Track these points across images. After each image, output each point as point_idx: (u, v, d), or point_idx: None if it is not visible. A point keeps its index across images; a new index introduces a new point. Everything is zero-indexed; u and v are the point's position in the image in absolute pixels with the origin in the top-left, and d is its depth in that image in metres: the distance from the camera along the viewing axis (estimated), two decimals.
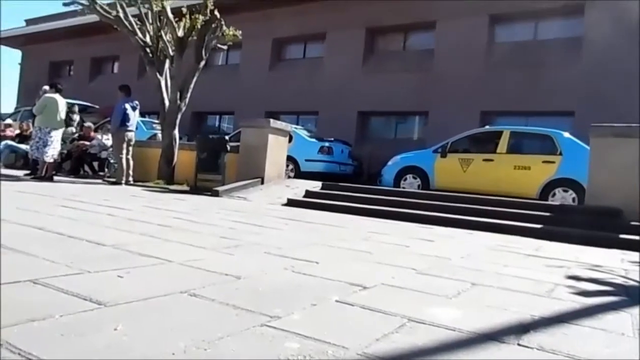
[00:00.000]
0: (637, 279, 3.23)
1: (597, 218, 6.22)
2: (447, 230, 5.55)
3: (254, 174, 8.94)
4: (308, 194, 8.12)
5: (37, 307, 1.54)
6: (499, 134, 9.33)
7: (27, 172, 9.16)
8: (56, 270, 2.05)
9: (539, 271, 3.18)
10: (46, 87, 8.87)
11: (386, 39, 16.95)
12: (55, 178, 8.76)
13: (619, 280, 3.14)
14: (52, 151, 8.40)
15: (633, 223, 5.91)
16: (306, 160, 11.58)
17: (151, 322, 1.53)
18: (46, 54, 25.17)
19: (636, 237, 5.37)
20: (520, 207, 6.88)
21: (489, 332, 1.68)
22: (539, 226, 5.90)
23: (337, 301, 1.96)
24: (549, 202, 8.16)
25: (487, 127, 11.05)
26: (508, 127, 9.81)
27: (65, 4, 13.12)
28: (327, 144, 11.99)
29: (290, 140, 10.43)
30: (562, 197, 8.34)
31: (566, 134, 8.91)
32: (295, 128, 12.01)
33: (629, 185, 6.37)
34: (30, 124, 10.76)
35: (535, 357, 1.48)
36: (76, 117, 11.96)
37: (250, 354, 1.32)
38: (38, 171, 8.62)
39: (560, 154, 8.53)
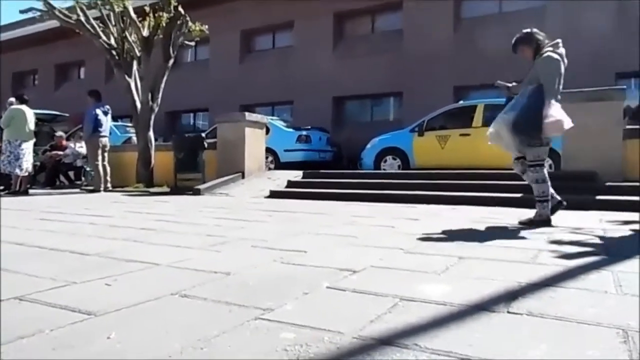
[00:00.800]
0: (616, 236, 3.33)
1: (574, 182, 6.37)
2: (431, 208, 5.62)
3: (234, 169, 8.89)
4: (290, 184, 8.11)
5: (25, 324, 1.51)
6: (473, 108, 9.45)
7: (0, 187, 8.93)
8: (41, 284, 2.01)
9: (522, 239, 3.25)
10: (12, 99, 8.63)
11: (354, 23, 16.90)
12: (31, 191, 8.57)
13: (599, 241, 3.23)
14: (25, 164, 8.21)
15: (608, 184, 6.07)
16: (285, 151, 11.56)
17: (144, 327, 1.52)
18: (8, 65, 24.40)
19: (612, 197, 5.53)
20: (500, 178, 7.00)
21: (479, 303, 1.72)
22: (519, 195, 6.02)
23: (328, 287, 1.97)
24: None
25: (461, 102, 11.16)
26: (481, 100, 9.94)
27: (22, 12, 12.72)
28: (304, 132, 11.98)
29: (267, 132, 10.38)
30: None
31: None
32: (272, 119, 11.96)
33: (602, 148, 6.54)
34: None
35: (525, 323, 1.52)
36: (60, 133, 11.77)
37: (246, 349, 1.33)
38: (12, 186, 8.41)
39: None
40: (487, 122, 9.14)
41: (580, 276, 2.15)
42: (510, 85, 4.38)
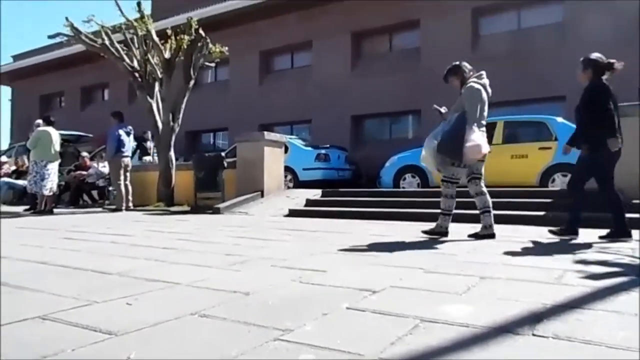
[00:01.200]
0: None
1: (599, 200, 6.22)
2: (451, 226, 5.54)
3: (253, 187, 8.95)
4: (309, 202, 8.12)
5: (47, 343, 1.53)
6: (493, 125, 9.35)
7: (27, 207, 9.15)
8: (64, 303, 2.04)
9: (546, 258, 3.18)
10: (39, 121, 8.89)
11: (372, 42, 17.03)
12: (55, 210, 8.75)
13: (627, 260, 3.13)
14: (50, 184, 8.40)
15: (635, 201, 5.91)
16: (304, 169, 11.59)
17: (164, 347, 1.52)
18: (36, 88, 25.25)
19: (639, 216, 5.38)
20: (522, 195, 6.90)
21: (502, 325, 1.68)
22: (541, 213, 5.91)
23: (347, 308, 1.95)
24: (549, 188, 8.17)
25: None
26: (501, 117, 9.85)
27: (50, 37, 13.21)
28: (323, 151, 12.01)
29: (286, 151, 10.45)
30: (562, 182, 8.34)
31: (559, 119, 8.93)
32: (290, 138, 12.04)
33: (628, 164, 6.38)
34: (26, 159, 10.78)
35: (551, 346, 1.48)
36: (150, 145, 12.17)
37: None
38: (37, 205, 8.61)
39: (556, 139, 8.55)
40: (507, 139, 9.06)
41: (609, 297, 2.08)
42: (443, 111, 4.74)
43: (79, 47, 13.10)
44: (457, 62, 4.70)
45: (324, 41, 16.94)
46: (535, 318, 1.77)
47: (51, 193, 8.52)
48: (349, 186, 10.84)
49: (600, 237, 4.19)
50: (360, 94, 15.52)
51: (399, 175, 10.05)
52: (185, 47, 9.86)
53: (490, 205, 4.47)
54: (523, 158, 8.73)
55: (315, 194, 8.72)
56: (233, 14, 17.40)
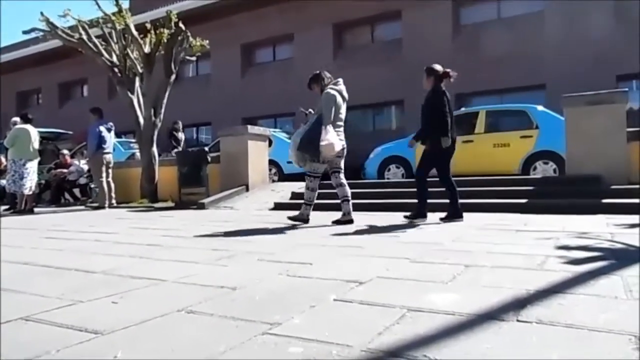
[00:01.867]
0: (623, 241, 3.30)
1: (579, 186, 6.35)
2: (435, 216, 5.59)
3: (238, 182, 8.90)
4: (294, 195, 8.11)
5: (31, 345, 1.51)
6: (475, 115, 9.45)
7: (6, 207, 8.98)
8: (47, 304, 2.00)
9: (529, 245, 3.23)
10: (16, 119, 8.70)
11: (354, 33, 17.01)
12: (36, 210, 8.60)
13: (606, 245, 3.21)
14: (30, 183, 8.24)
15: (614, 187, 6.04)
16: (288, 163, 11.53)
17: (151, 344, 1.51)
18: (12, 85, 24.66)
19: (618, 201, 5.50)
20: (504, 184, 6.98)
21: (487, 312, 1.70)
22: (524, 201, 6.00)
23: (335, 300, 1.96)
24: (531, 176, 8.30)
25: (463, 108, 11.16)
26: (483, 107, 9.94)
27: (25, 32, 12.88)
28: None
29: (270, 145, 10.41)
30: (543, 169, 8.48)
31: (540, 107, 9.06)
32: (274, 131, 11.99)
33: (606, 151, 6.51)
34: (3, 158, 10.55)
35: (535, 331, 1.51)
36: (182, 136, 12.10)
37: None
38: (17, 205, 8.45)
39: (537, 127, 8.67)
40: (490, 128, 9.16)
41: (590, 282, 2.13)
42: (307, 113, 5.28)
43: (55, 43, 12.81)
44: (318, 71, 5.33)
45: (306, 33, 16.87)
46: (519, 304, 1.80)
47: (31, 192, 8.36)
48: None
49: (441, 219, 4.98)
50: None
51: (383, 166, 10.10)
52: (165, 41, 9.72)
53: (349, 195, 5.09)
54: (505, 147, 8.85)
55: (301, 186, 8.69)
56: (213, 7, 17.20)
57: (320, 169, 5.06)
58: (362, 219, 5.25)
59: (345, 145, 5.05)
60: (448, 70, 5.05)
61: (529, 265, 2.53)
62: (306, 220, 5.07)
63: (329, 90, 5.02)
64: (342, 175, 5.10)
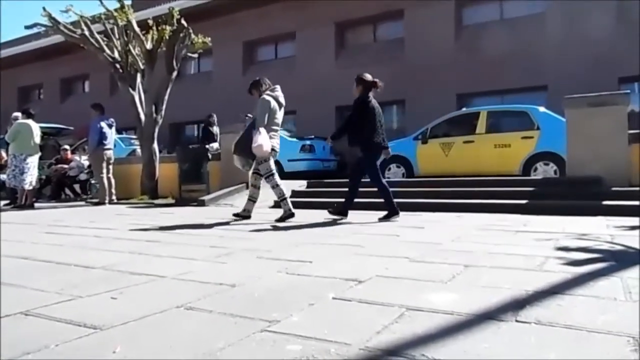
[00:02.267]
0: (623, 243, 3.30)
1: (580, 187, 6.34)
2: (436, 216, 5.60)
3: (238, 179, 8.89)
4: (294, 193, 8.10)
5: (31, 339, 1.51)
6: (476, 115, 9.44)
7: (6, 202, 8.98)
8: (47, 299, 2.01)
9: (528, 246, 3.23)
10: (17, 114, 8.69)
11: (356, 32, 16.99)
12: (36, 205, 8.60)
13: (606, 246, 3.20)
14: (30, 178, 8.24)
15: (614, 189, 6.04)
16: (289, 161, 11.56)
17: (149, 340, 1.51)
18: (14, 80, 24.65)
19: (618, 203, 5.49)
20: (505, 184, 6.98)
21: (486, 312, 1.71)
22: (524, 202, 5.99)
23: (334, 298, 1.96)
24: (532, 177, 8.30)
25: (464, 109, 11.16)
26: (485, 107, 9.93)
27: (27, 27, 12.85)
28: (308, 142, 12.00)
29: None
30: (544, 170, 8.47)
31: (541, 109, 9.04)
32: None
33: (607, 152, 6.50)
34: (4, 153, 10.56)
35: (534, 332, 1.51)
36: (217, 130, 11.15)
37: None
38: (18, 200, 8.45)
39: (538, 128, 8.66)
40: (490, 129, 9.15)
41: (589, 283, 2.13)
42: (247, 117, 5.72)
43: (57, 38, 12.81)
44: (258, 78, 5.74)
45: (308, 32, 16.85)
46: (518, 305, 1.80)
47: (31, 187, 8.36)
48: (333, 177, 10.85)
49: (380, 219, 5.13)
50: (344, 85, 15.34)
51: (383, 165, 10.08)
52: (167, 37, 9.71)
53: (286, 194, 5.37)
54: (506, 147, 8.84)
55: (301, 185, 8.71)
56: (215, 4, 17.18)
57: (271, 166, 5.33)
58: (374, 219, 5.24)
59: (277, 149, 5.41)
60: (376, 80, 5.49)
61: (528, 266, 2.53)
62: (249, 217, 5.46)
63: (264, 96, 5.39)
64: (277, 178, 5.35)
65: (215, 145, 10.64)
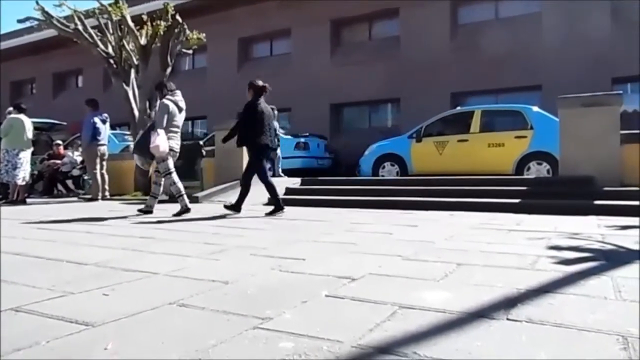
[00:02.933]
0: (614, 242, 3.33)
1: (572, 187, 6.39)
2: (429, 214, 5.62)
3: (232, 176, 8.87)
4: (288, 191, 8.10)
5: (21, 336, 1.50)
6: (470, 114, 9.47)
7: None
8: (38, 295, 2.00)
9: (521, 245, 3.25)
10: (11, 109, 8.63)
11: (351, 30, 16.98)
12: (28, 200, 8.54)
13: (597, 246, 3.23)
14: (23, 173, 8.19)
15: (606, 189, 6.08)
16: (283, 158, 11.54)
17: (141, 337, 1.51)
18: (5, 74, 24.42)
19: (610, 202, 5.53)
20: (498, 183, 7.01)
21: (478, 310, 1.72)
22: (517, 201, 6.02)
23: (327, 296, 1.96)
24: (525, 176, 8.34)
25: (458, 108, 11.21)
26: (479, 106, 9.97)
27: (19, 21, 12.75)
28: (302, 139, 11.99)
29: None
30: (537, 170, 8.53)
31: (535, 108, 9.09)
32: None
33: (599, 153, 6.55)
34: None
35: (525, 330, 1.52)
36: (276, 125, 10.81)
37: (245, 359, 1.32)
38: (9, 195, 8.39)
39: (531, 128, 8.71)
40: (485, 128, 9.19)
41: (580, 282, 2.15)
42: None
43: (50, 32, 12.70)
44: (161, 81, 6.20)
45: (303, 29, 16.82)
46: (509, 303, 1.81)
47: (24, 182, 8.31)
48: (328, 175, 10.86)
49: (266, 214, 5.68)
50: (339, 82, 15.49)
51: (378, 163, 10.11)
52: (162, 33, 9.66)
53: (183, 190, 5.77)
54: (500, 146, 8.88)
55: (295, 182, 8.71)
56: (211, 0, 17.09)
57: (170, 165, 5.73)
58: (367, 217, 5.24)
59: (176, 149, 5.83)
60: (265, 85, 5.95)
61: (520, 265, 2.55)
62: (151, 212, 5.80)
63: (164, 99, 5.79)
64: (174, 177, 5.76)
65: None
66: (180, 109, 5.88)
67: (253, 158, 5.81)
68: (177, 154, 5.92)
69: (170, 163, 5.72)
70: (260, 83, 5.94)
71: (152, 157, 5.63)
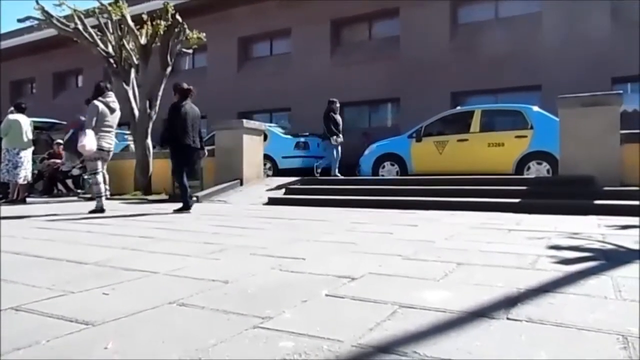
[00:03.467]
0: (614, 242, 3.33)
1: (572, 187, 6.39)
2: (429, 214, 5.62)
3: (232, 176, 8.89)
4: (288, 191, 8.11)
5: (21, 335, 1.50)
6: (470, 114, 9.47)
7: None
8: (38, 294, 2.00)
9: (521, 245, 3.25)
10: (12, 109, 8.62)
11: (352, 30, 16.97)
12: (28, 199, 8.54)
13: (597, 245, 3.23)
14: (23, 172, 8.19)
15: (606, 188, 6.08)
16: (283, 158, 11.56)
17: (141, 336, 1.51)
18: (5, 73, 24.41)
19: (610, 202, 5.54)
20: (498, 183, 7.01)
21: (478, 310, 1.71)
22: (517, 200, 6.02)
23: (327, 295, 1.96)
24: (525, 176, 8.34)
25: (458, 107, 11.20)
26: (479, 106, 9.96)
27: (19, 20, 12.75)
28: (302, 139, 11.99)
29: (265, 139, 10.39)
30: (537, 169, 8.53)
31: (535, 108, 9.09)
32: (270, 126, 11.97)
33: (599, 152, 6.55)
34: None
35: (525, 329, 1.52)
36: (339, 119, 9.63)
37: (245, 358, 1.32)
38: (10, 194, 8.39)
39: (531, 127, 8.71)
40: (485, 128, 9.19)
41: (580, 282, 2.15)
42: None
43: (50, 32, 12.69)
44: (98, 82, 6.51)
45: (303, 28, 16.81)
46: (509, 302, 1.81)
47: (24, 182, 8.30)
48: (328, 174, 10.85)
49: (174, 210, 6.09)
50: (339, 82, 15.47)
51: (378, 163, 10.11)
52: (162, 32, 9.65)
53: (103, 191, 6.16)
54: (499, 146, 8.88)
55: (294, 181, 8.71)
56: (211, 0, 17.09)
57: (95, 166, 6.13)
58: (367, 217, 5.24)
59: (107, 149, 6.18)
60: (190, 88, 6.36)
61: (520, 264, 2.55)
62: (102, 210, 6.04)
63: (94, 101, 6.11)
64: (98, 177, 6.13)
65: (338, 139, 9.25)
66: (112, 110, 6.22)
67: (172, 157, 6.24)
68: (110, 153, 6.32)
69: (98, 163, 6.11)
70: (186, 86, 6.34)
71: (79, 155, 6.04)
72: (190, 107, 6.25)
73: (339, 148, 9.68)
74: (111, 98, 6.26)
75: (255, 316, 1.66)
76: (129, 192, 9.65)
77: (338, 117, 9.78)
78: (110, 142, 6.21)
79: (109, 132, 6.16)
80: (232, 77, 18.07)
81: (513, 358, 1.30)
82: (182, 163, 6.21)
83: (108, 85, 6.41)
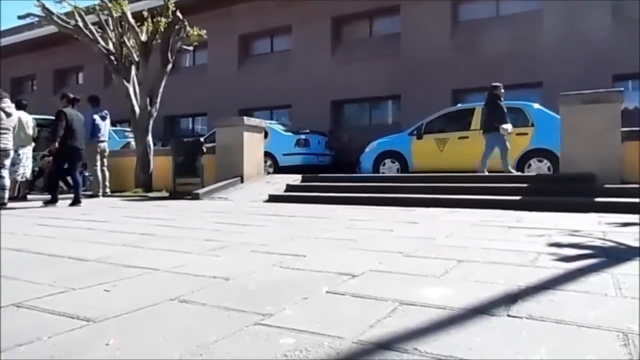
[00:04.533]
0: (614, 239, 3.33)
1: (573, 184, 6.38)
2: (430, 211, 5.62)
3: (233, 173, 8.89)
4: (289, 188, 8.11)
5: (23, 331, 1.51)
6: (471, 111, 9.46)
7: None
8: (39, 291, 2.00)
9: (521, 242, 3.25)
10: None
11: (352, 27, 16.94)
12: (29, 196, 8.55)
13: (598, 243, 3.23)
14: (23, 169, 8.18)
15: (607, 186, 6.08)
16: (284, 155, 11.55)
17: (143, 333, 1.51)
18: (6, 70, 24.38)
19: (611, 200, 5.53)
20: (499, 180, 7.01)
21: (478, 307, 1.72)
22: (517, 198, 6.02)
23: (327, 292, 1.96)
24: (526, 173, 8.33)
25: (459, 105, 11.17)
26: (480, 103, 9.94)
27: (20, 17, 12.71)
28: (303, 136, 11.98)
29: (266, 136, 10.38)
30: (538, 167, 8.52)
31: (536, 105, 9.07)
32: (270, 123, 11.96)
33: (600, 150, 6.55)
34: None
35: (525, 326, 1.52)
36: (503, 105, 7.94)
37: (246, 355, 1.32)
38: (10, 191, 8.38)
39: (532, 125, 8.69)
40: None
41: (580, 279, 2.15)
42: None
43: (51, 28, 12.68)
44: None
45: (304, 26, 16.79)
46: (510, 299, 1.81)
47: (24, 179, 8.31)
48: (328, 172, 10.86)
49: (44, 203, 6.93)
50: (340, 79, 15.47)
51: (378, 160, 10.11)
52: (162, 29, 9.65)
53: (6, 186, 6.86)
54: None
55: (295, 179, 8.71)
56: None
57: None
58: (368, 214, 5.24)
59: (3, 148, 6.78)
60: (76, 96, 7.38)
61: (520, 262, 2.55)
62: (4, 204, 6.65)
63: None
64: (2, 172, 6.78)
65: (508, 127, 7.97)
66: (7, 115, 6.90)
67: (55, 157, 7.11)
68: (9, 152, 6.98)
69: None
70: (71, 95, 7.39)
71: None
72: (74, 112, 7.20)
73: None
74: (7, 103, 6.97)
75: (256, 313, 1.67)
76: (130, 189, 9.66)
77: (502, 104, 8.40)
78: (7, 143, 6.88)
79: (6, 133, 6.86)
80: (233, 74, 18.06)
81: (513, 355, 1.30)
82: (58, 161, 7.17)
83: (2, 92, 7.06)
